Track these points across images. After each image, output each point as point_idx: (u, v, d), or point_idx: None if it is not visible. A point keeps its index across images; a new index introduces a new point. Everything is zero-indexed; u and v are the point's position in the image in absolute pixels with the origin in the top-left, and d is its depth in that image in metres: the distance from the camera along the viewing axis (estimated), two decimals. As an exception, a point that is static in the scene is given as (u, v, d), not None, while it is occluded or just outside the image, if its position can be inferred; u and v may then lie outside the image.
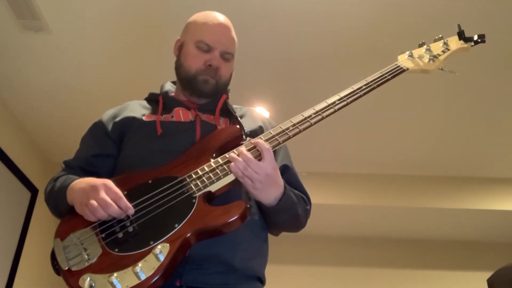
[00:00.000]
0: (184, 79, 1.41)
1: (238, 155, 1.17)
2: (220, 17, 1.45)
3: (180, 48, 1.46)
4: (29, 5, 2.49)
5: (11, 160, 3.27)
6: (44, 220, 3.62)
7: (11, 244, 3.28)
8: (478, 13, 2.47)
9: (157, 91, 1.53)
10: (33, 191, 3.54)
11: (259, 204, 1.26)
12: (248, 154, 1.17)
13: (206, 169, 1.19)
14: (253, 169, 1.15)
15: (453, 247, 4.11)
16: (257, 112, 1.53)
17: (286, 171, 1.37)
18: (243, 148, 1.20)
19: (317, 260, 4.04)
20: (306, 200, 1.38)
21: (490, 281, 1.85)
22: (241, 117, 1.42)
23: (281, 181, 1.23)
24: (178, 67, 1.44)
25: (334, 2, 2.48)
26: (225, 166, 1.19)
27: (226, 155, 1.21)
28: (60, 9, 2.55)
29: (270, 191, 1.20)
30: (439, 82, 2.85)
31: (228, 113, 1.41)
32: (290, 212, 1.28)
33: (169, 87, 1.50)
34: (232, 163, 1.16)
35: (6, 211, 3.23)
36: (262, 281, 1.29)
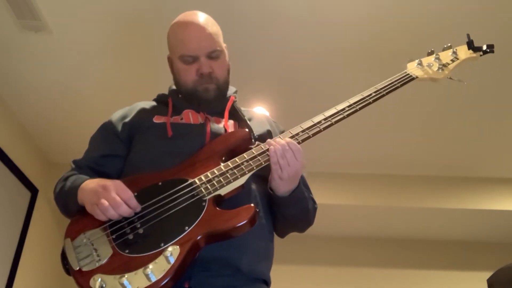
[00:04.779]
0: (186, 94, 1.41)
1: (282, 142, 1.21)
2: (192, 18, 1.39)
3: (171, 66, 1.45)
4: (29, 5, 2.48)
5: (11, 160, 3.26)
6: (44, 220, 3.62)
7: (11, 244, 3.28)
8: (476, 13, 2.48)
9: (159, 92, 1.53)
10: (33, 191, 3.54)
11: (270, 197, 1.28)
12: (296, 145, 1.21)
13: (216, 172, 1.20)
14: (288, 161, 1.18)
15: (453, 247, 4.11)
16: (265, 115, 1.53)
17: None
18: (288, 139, 1.23)
19: (317, 260, 4.04)
20: (313, 199, 1.40)
21: (490, 281, 1.85)
22: (249, 120, 1.42)
23: (299, 179, 1.27)
24: (177, 84, 1.44)
25: (336, 3, 2.48)
26: (235, 170, 1.20)
27: (262, 146, 1.24)
28: (60, 9, 2.54)
29: (289, 185, 1.24)
30: (439, 82, 2.85)
31: (237, 116, 1.42)
32: (301, 205, 1.30)
33: None
34: (272, 147, 1.20)
35: (6, 211, 3.23)
36: (267, 283, 1.30)
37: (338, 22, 2.59)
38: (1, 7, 2.52)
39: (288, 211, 1.29)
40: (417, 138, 3.45)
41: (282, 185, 1.23)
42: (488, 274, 1.87)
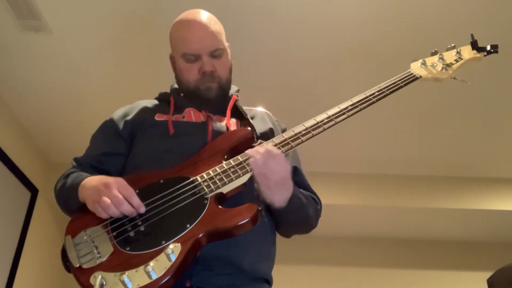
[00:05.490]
0: (188, 93, 1.40)
1: (261, 151, 1.18)
2: (194, 17, 1.38)
3: (174, 64, 1.45)
4: (29, 5, 2.48)
5: (11, 160, 3.26)
6: (44, 220, 3.62)
7: (11, 244, 3.28)
8: (477, 14, 2.48)
9: (159, 92, 1.53)
10: (33, 191, 3.54)
11: (269, 207, 1.26)
12: (275, 150, 1.18)
13: (218, 170, 1.19)
14: (270, 168, 1.15)
15: (453, 247, 4.10)
16: (267, 113, 1.52)
17: (295, 173, 1.37)
18: (268, 145, 1.20)
19: (317, 260, 4.03)
20: (316, 200, 1.39)
21: (490, 281, 1.85)
22: (251, 118, 1.41)
23: (291, 185, 1.23)
24: (179, 83, 1.44)
25: (338, 3, 2.48)
26: (237, 168, 1.19)
27: (239, 157, 1.21)
28: (60, 9, 2.54)
29: (281, 193, 1.20)
30: (442, 82, 2.85)
31: (239, 115, 1.41)
32: (301, 212, 1.28)
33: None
34: (252, 159, 1.17)
35: (6, 211, 3.22)
36: (269, 282, 1.30)
37: (339, 22, 2.59)
38: (1, 7, 2.52)
39: (288, 218, 1.28)
40: (417, 138, 3.45)
41: (273, 196, 1.19)
42: (488, 274, 1.87)
